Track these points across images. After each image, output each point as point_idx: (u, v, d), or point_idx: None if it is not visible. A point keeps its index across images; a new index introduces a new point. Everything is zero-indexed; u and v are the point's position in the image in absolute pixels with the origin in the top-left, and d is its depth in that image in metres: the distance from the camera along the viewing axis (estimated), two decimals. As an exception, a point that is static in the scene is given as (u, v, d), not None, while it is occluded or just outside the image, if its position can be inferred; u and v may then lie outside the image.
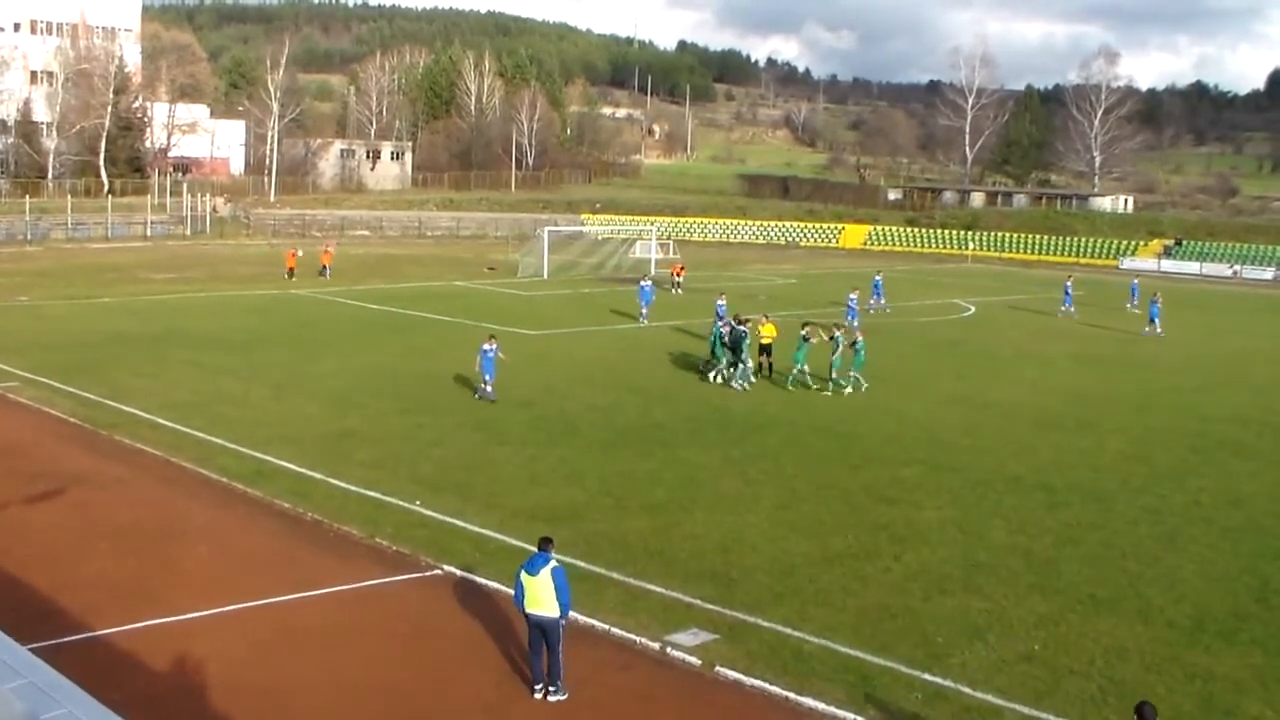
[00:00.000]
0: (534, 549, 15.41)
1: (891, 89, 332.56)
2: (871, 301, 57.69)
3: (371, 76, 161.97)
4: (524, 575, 14.89)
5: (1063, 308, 58.58)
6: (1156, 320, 51.84)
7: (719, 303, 43.45)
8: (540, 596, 14.73)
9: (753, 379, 36.21)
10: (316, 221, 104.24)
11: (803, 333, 36.15)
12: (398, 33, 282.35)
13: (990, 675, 15.97)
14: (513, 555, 19.42)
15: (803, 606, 18.20)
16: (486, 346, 32.59)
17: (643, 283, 53.66)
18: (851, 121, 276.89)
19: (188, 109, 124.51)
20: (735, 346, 35.95)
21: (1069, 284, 60.16)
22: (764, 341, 37.74)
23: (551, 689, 14.96)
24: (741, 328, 36.15)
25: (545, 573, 14.70)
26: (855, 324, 46.38)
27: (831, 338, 36.40)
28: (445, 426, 29.86)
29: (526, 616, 15.02)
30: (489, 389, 32.49)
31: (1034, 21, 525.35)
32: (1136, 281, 67.08)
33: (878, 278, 60.56)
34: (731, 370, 36.03)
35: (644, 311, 51.44)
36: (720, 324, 38.01)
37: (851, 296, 49.95)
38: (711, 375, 36.53)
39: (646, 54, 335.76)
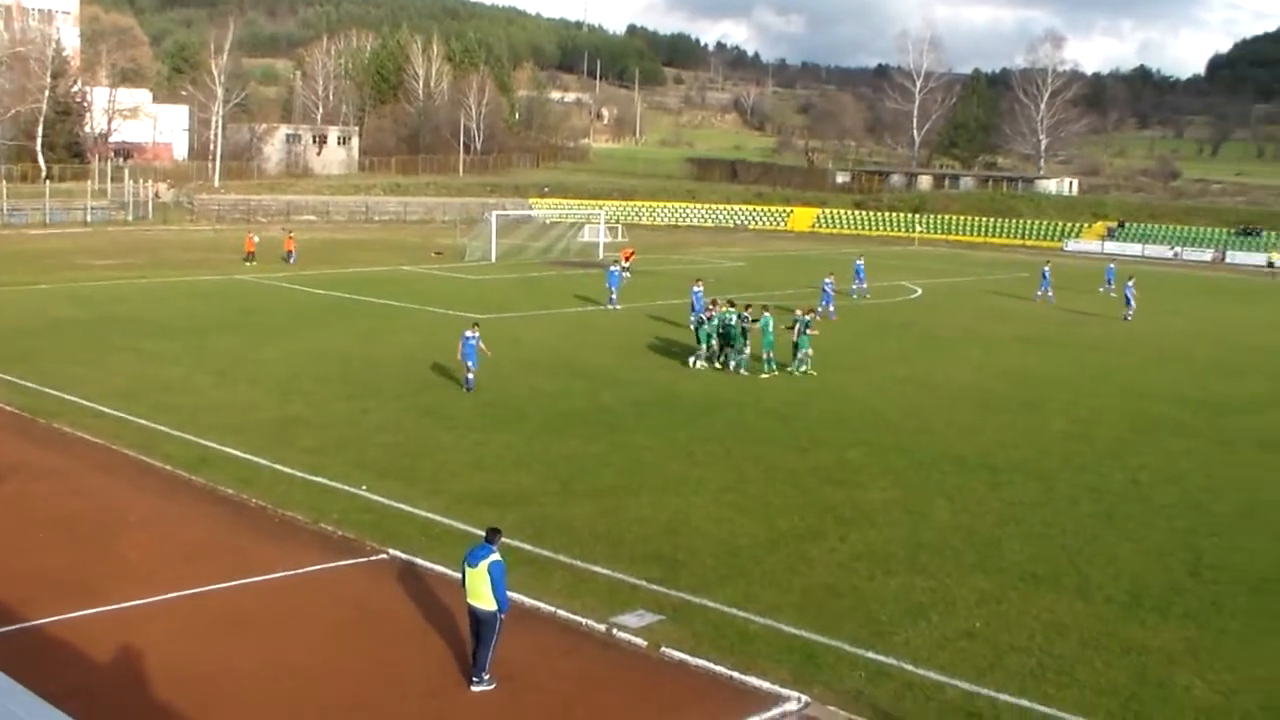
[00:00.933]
0: (480, 533, 15.36)
1: (840, 73, 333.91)
2: (855, 285, 57.83)
3: (318, 61, 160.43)
4: (465, 566, 14.88)
5: (1039, 292, 58.85)
6: (1131, 303, 52.22)
7: (696, 290, 43.39)
8: (479, 588, 14.65)
9: (717, 364, 36.39)
10: (262, 207, 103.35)
11: (746, 313, 36.26)
12: (344, 16, 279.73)
13: (933, 652, 16.13)
14: (459, 540, 19.40)
15: (748, 587, 18.29)
16: (469, 334, 32.16)
17: (612, 267, 53.48)
18: (800, 105, 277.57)
19: (129, 94, 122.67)
20: (727, 334, 36.17)
21: (1047, 269, 60.38)
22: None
23: (474, 679, 14.84)
24: (743, 314, 36.20)
25: (484, 566, 14.60)
26: (830, 308, 46.58)
27: (793, 325, 36.35)
28: (391, 411, 29.74)
29: (467, 606, 14.99)
30: (470, 378, 32.08)
31: (981, 6, 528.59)
32: (1113, 265, 67.59)
33: (859, 261, 60.34)
34: (724, 355, 36.26)
35: (613, 296, 51.27)
36: (701, 312, 37.91)
37: (828, 280, 49.93)
38: (692, 361, 36.53)
39: (595, 38, 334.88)
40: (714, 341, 36.46)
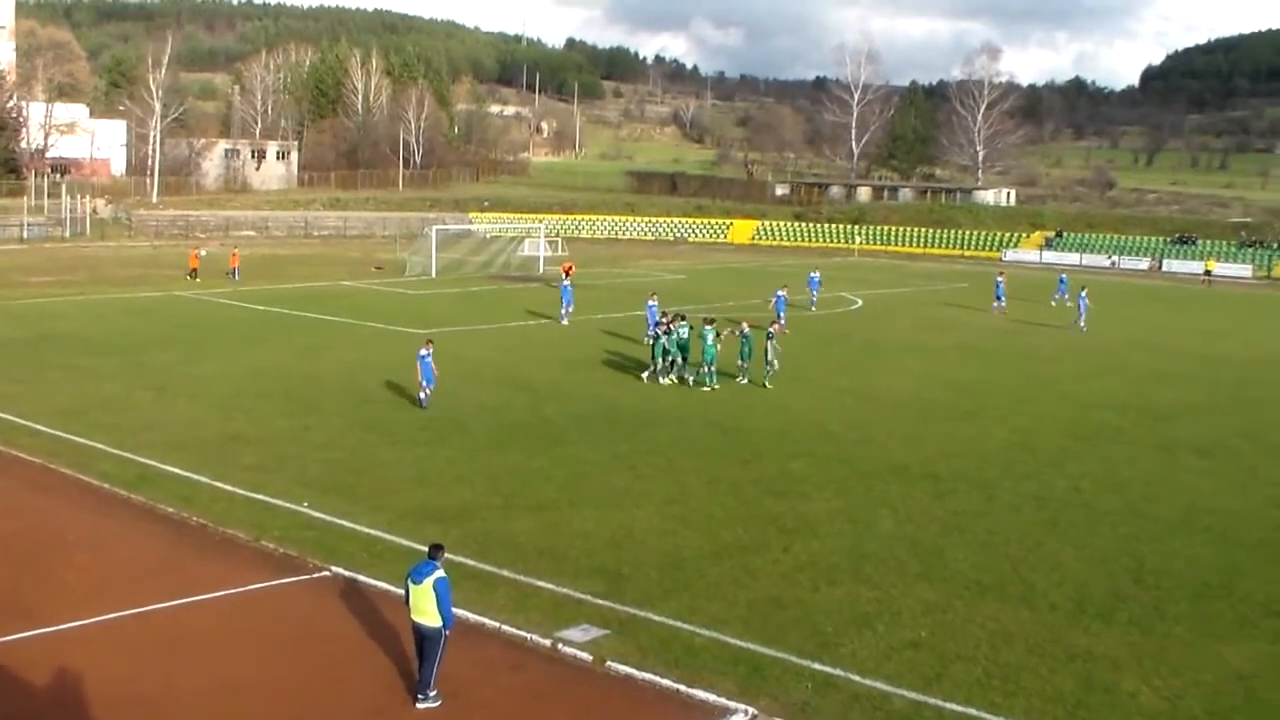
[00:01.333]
0: (423, 549, 15.23)
1: (778, 85, 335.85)
2: (814, 297, 58.00)
3: (256, 75, 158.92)
4: (409, 582, 14.73)
5: (996, 304, 59.05)
6: (1084, 314, 52.57)
7: (650, 304, 43.21)
8: (424, 605, 14.52)
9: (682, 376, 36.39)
10: (200, 222, 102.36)
11: (705, 329, 36.34)
12: (283, 30, 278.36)
13: (879, 663, 16.14)
14: (402, 556, 19.26)
15: (693, 600, 18.25)
16: (423, 351, 31.73)
17: (565, 282, 53.07)
18: (739, 118, 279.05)
19: (66, 109, 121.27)
20: (684, 347, 36.21)
21: (1001, 280, 60.59)
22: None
23: (419, 696, 14.70)
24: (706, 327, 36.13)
25: (428, 582, 14.47)
26: (783, 319, 46.64)
27: (743, 334, 36.36)
28: (333, 428, 29.48)
29: (412, 623, 14.84)
30: (424, 395, 31.67)
31: (918, 18, 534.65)
32: (1065, 276, 68.00)
33: (814, 275, 60.38)
34: (681, 369, 36.24)
35: (567, 310, 50.89)
36: (658, 327, 37.65)
37: (780, 293, 49.95)
38: (652, 376, 36.33)
39: (535, 52, 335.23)
40: (674, 356, 36.34)
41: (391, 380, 34.96)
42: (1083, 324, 51.91)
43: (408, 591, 14.75)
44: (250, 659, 15.94)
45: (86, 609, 17.26)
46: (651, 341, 37.64)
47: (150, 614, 17.33)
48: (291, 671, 15.57)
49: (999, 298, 58.82)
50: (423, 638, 14.65)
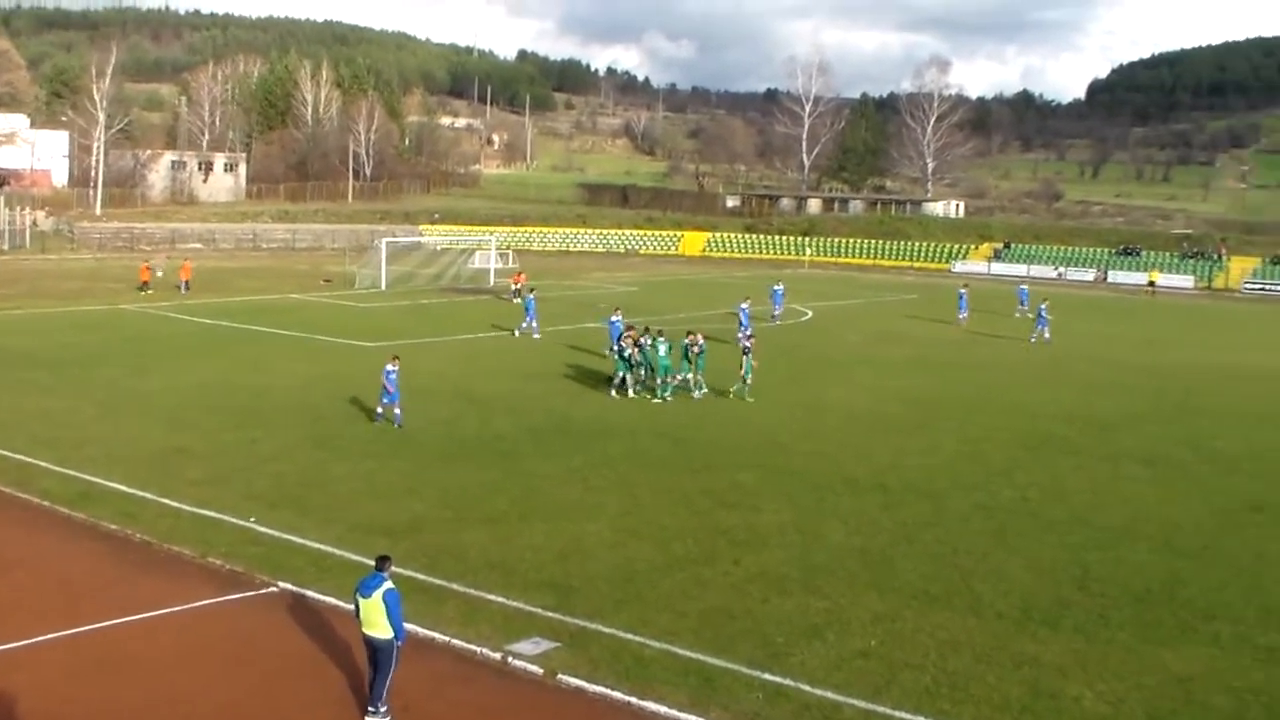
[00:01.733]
0: (372, 564, 15.13)
1: (730, 97, 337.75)
2: (776, 311, 58.12)
3: (204, 86, 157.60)
4: (358, 596, 14.60)
5: (960, 315, 59.29)
6: (1044, 326, 52.89)
7: (614, 319, 43.01)
8: (374, 618, 14.40)
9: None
10: (146, 235, 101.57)
11: (684, 341, 36.42)
12: (231, 41, 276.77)
13: (829, 672, 16.18)
14: (351, 570, 19.14)
15: (644, 612, 18.23)
16: (389, 367, 31.17)
17: (529, 295, 52.73)
18: (690, 130, 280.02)
19: (5, 119, 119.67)
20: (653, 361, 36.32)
21: (964, 292, 60.87)
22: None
23: (370, 709, 14.58)
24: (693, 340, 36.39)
25: (378, 595, 14.37)
26: (748, 331, 46.53)
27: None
28: (281, 442, 29.24)
29: (363, 637, 14.72)
30: (396, 412, 30.88)
31: (869, 31, 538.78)
32: (1024, 287, 68.50)
33: (778, 288, 60.51)
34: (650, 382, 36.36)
35: (530, 324, 50.62)
36: (618, 340, 37.64)
37: (743, 306, 49.97)
38: (618, 389, 36.27)
39: (486, 63, 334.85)
40: (641, 370, 36.38)
41: (341, 394, 34.76)
42: (1047, 335, 52.31)
43: (357, 605, 14.62)
44: (195, 677, 15.74)
45: (26, 628, 16.98)
46: (616, 355, 37.25)
47: (91, 633, 17.07)
48: (238, 689, 15.40)
49: (961, 309, 59.24)
50: (375, 650, 14.52)
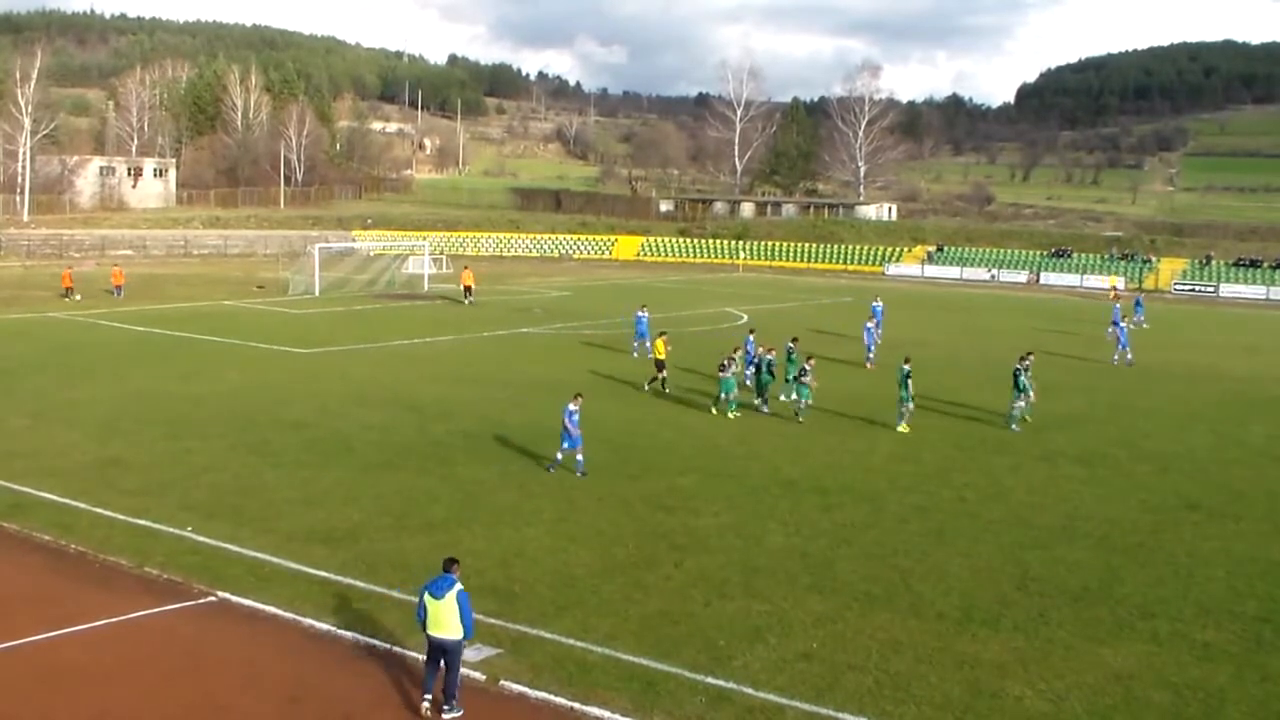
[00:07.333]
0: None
1: (662, 101, 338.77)
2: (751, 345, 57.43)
3: (132, 91, 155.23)
4: (428, 597, 14.90)
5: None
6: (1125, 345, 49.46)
7: (641, 315, 43.12)
8: (444, 620, 14.77)
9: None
10: (75, 242, 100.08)
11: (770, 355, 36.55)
12: (159, 46, 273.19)
13: (771, 675, 16.20)
14: (289, 579, 19.03)
15: (585, 617, 18.17)
16: (571, 407, 27.18)
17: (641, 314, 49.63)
18: (623, 134, 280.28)
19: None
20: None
21: (878, 306, 59.82)
22: (658, 357, 38.85)
23: (445, 707, 14.93)
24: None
25: (450, 597, 14.75)
26: (647, 343, 46.07)
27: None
28: (216, 450, 28.88)
29: (428, 638, 15.00)
30: (579, 459, 27.11)
31: (800, 35, 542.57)
32: (1140, 298, 68.16)
33: (877, 304, 55.43)
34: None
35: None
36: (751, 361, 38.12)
37: (640, 314, 49.23)
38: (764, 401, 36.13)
39: (417, 68, 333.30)
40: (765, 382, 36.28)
41: (276, 401, 34.40)
42: (1130, 356, 49.22)
43: (423, 607, 14.96)
44: (133, 689, 15.50)
45: (-42, 642, 16.67)
46: (726, 374, 35.14)
47: (25, 646, 16.77)
48: (176, 700, 15.16)
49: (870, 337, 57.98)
50: (444, 651, 14.90)
